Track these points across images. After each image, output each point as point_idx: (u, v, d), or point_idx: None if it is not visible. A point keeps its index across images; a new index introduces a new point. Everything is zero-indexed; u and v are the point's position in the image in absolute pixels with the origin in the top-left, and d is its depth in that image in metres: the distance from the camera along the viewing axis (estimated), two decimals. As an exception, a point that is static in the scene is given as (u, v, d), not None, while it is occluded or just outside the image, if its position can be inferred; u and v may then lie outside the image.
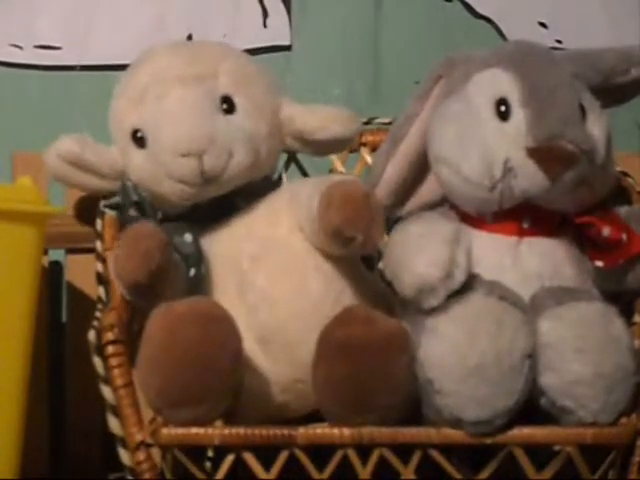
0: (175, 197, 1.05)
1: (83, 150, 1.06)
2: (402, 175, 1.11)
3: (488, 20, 1.55)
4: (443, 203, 1.11)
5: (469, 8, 1.55)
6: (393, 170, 1.11)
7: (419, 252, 0.96)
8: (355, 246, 0.98)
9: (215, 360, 0.94)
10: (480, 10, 1.55)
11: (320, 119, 1.08)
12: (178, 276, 1.02)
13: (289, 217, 1.05)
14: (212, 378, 0.94)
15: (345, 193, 0.98)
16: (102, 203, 1.10)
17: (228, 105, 1.06)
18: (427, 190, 1.12)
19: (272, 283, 1.03)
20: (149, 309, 0.99)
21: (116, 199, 1.09)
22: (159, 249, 0.98)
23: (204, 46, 1.12)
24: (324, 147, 1.11)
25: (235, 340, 0.96)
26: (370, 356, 0.95)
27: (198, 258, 1.03)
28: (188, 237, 1.04)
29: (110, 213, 1.10)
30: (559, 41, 1.54)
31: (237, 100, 1.07)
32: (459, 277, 0.96)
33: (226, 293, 1.04)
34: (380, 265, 1.05)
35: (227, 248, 1.06)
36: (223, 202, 1.07)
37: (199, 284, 1.03)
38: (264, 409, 1.02)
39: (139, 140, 1.06)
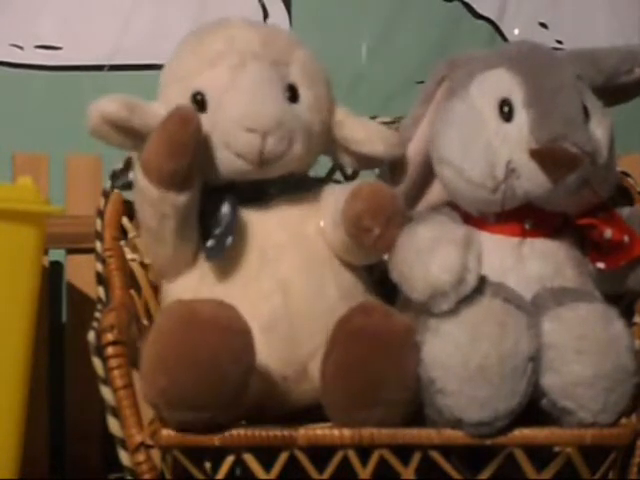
0: (225, 168, 1.04)
1: (131, 115, 1.03)
2: (411, 177, 1.12)
3: (488, 20, 1.56)
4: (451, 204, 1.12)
5: (469, 8, 1.55)
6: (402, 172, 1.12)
7: (431, 257, 0.95)
8: (370, 240, 0.99)
9: (227, 372, 0.93)
10: (480, 10, 1.55)
11: (369, 133, 1.10)
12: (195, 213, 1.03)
13: (317, 221, 1.07)
14: (220, 389, 0.93)
15: (374, 188, 1.02)
16: (109, 184, 1.10)
17: (292, 94, 1.06)
18: (436, 191, 1.12)
19: (292, 275, 1.04)
20: (174, 206, 1.00)
21: (127, 179, 1.09)
22: (195, 115, 0.99)
23: (280, 31, 1.12)
24: (363, 161, 1.12)
25: (250, 356, 0.95)
26: (387, 345, 0.96)
27: (233, 228, 1.03)
28: (226, 207, 1.04)
29: (118, 193, 1.10)
30: (560, 41, 1.55)
31: (302, 91, 1.07)
32: (471, 282, 0.95)
33: (243, 273, 1.04)
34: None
35: (254, 232, 1.06)
36: (258, 187, 1.06)
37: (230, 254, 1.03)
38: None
39: (199, 103, 1.05)
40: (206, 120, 1.03)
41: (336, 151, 1.12)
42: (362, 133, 1.09)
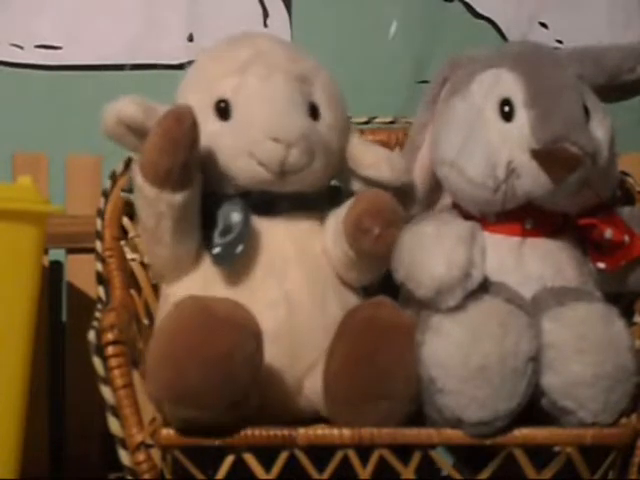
0: (245, 177, 1.04)
1: (146, 117, 1.02)
2: (424, 182, 1.12)
3: (488, 20, 1.55)
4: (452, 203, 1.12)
5: (469, 8, 1.55)
6: (415, 179, 1.11)
7: (436, 253, 0.96)
8: (369, 240, 1.00)
9: (238, 372, 0.92)
10: (480, 10, 1.55)
11: (376, 158, 1.10)
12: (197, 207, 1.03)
13: (323, 240, 1.08)
14: (229, 388, 0.92)
15: (374, 193, 1.04)
16: (109, 184, 1.11)
17: (313, 112, 1.07)
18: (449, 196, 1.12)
19: (296, 288, 1.04)
20: (172, 205, 1.00)
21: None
22: (191, 113, 0.98)
23: (304, 51, 1.12)
24: (369, 184, 1.11)
25: (261, 359, 0.95)
26: (395, 337, 0.96)
27: (245, 236, 1.03)
28: (238, 215, 1.03)
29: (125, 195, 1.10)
30: (559, 41, 1.54)
31: (322, 111, 1.08)
32: (477, 277, 0.95)
33: (249, 281, 1.04)
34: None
35: (263, 241, 1.06)
36: (271, 199, 1.06)
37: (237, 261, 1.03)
38: None
39: (222, 110, 1.05)
40: (228, 128, 1.04)
41: (346, 175, 1.12)
42: (371, 157, 1.10)
